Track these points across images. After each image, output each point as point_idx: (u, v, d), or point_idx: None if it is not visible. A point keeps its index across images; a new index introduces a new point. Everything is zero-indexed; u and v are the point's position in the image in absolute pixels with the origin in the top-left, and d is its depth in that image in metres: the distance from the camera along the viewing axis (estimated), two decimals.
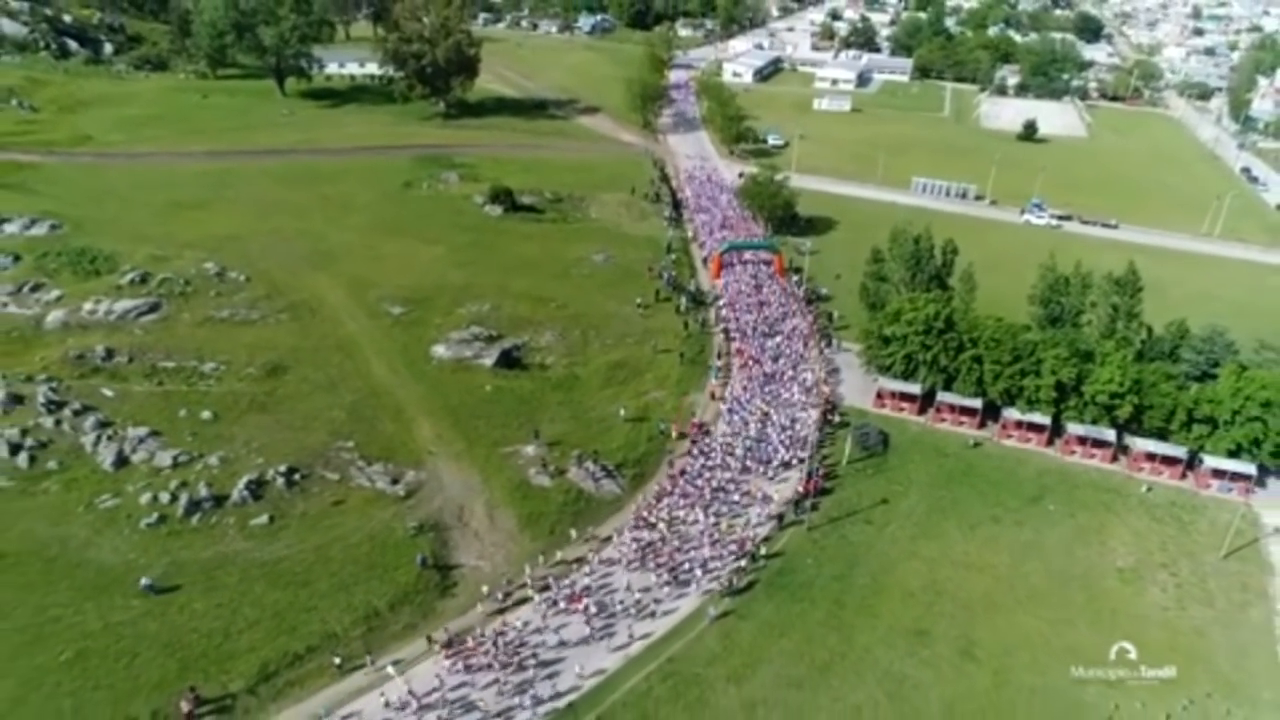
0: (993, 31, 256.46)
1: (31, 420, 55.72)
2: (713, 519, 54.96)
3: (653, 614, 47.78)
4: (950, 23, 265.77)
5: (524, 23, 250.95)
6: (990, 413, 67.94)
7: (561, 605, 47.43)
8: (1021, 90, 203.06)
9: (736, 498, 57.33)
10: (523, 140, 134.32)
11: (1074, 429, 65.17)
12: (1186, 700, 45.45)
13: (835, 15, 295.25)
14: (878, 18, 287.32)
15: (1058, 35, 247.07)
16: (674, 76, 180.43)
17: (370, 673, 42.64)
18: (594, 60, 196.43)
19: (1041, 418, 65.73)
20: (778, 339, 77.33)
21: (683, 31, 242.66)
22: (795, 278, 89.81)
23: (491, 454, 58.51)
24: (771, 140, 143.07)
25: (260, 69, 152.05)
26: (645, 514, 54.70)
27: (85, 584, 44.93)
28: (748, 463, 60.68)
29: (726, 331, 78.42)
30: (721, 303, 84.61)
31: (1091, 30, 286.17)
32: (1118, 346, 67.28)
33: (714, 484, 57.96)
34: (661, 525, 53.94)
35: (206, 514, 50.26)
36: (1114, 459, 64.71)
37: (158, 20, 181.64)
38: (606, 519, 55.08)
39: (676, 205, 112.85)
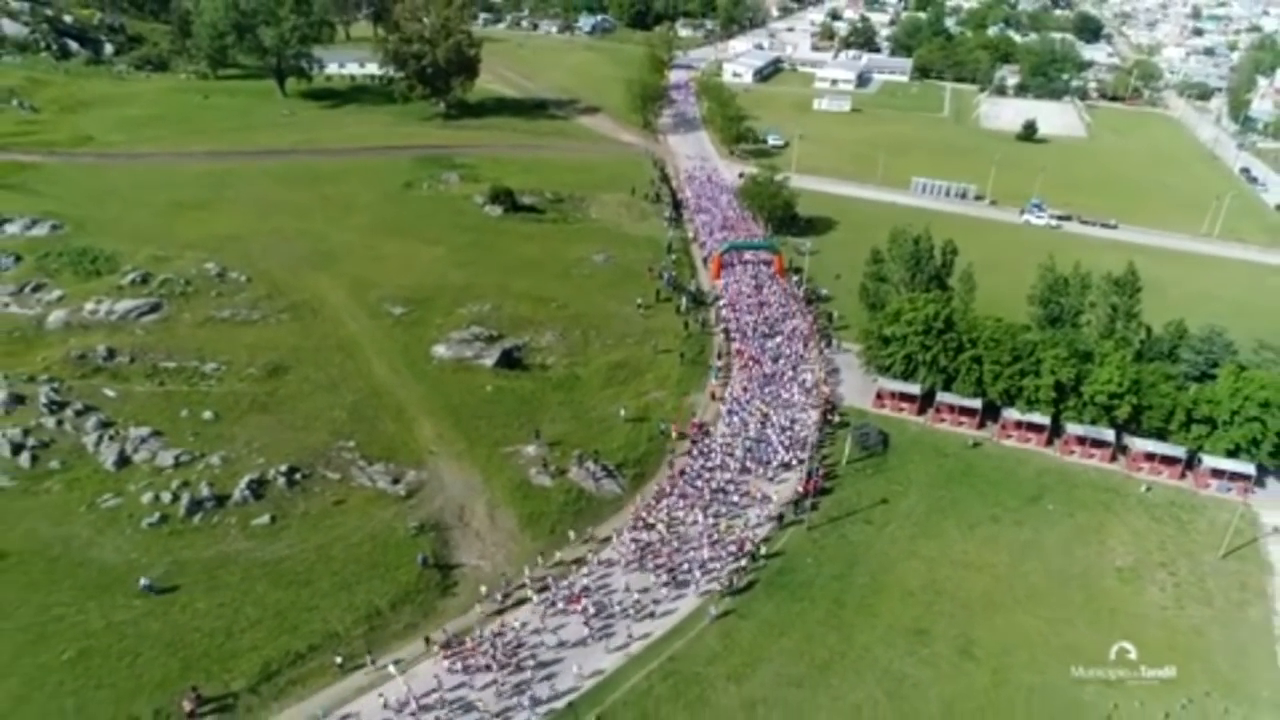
0: (992, 31, 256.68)
1: (33, 420, 55.88)
2: (711, 520, 55.07)
3: (651, 615, 47.90)
4: (950, 23, 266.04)
5: (524, 23, 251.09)
6: (990, 413, 68.09)
7: (560, 606, 47.55)
8: (1021, 90, 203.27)
9: (736, 498, 57.44)
10: (523, 140, 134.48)
11: (1073, 429, 65.32)
12: (1185, 699, 45.60)
13: (835, 15, 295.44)
14: (877, 18, 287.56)
15: (1057, 35, 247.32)
16: (674, 77, 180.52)
17: (371, 672, 42.80)
18: (594, 60, 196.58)
19: (1041, 418, 65.88)
20: (778, 339, 77.44)
21: (683, 32, 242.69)
22: (795, 278, 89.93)
23: (492, 454, 58.67)
24: (771, 140, 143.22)
25: (261, 69, 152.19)
26: (644, 515, 54.81)
27: (88, 583, 45.10)
28: (747, 463, 60.80)
29: (727, 332, 78.56)
30: (722, 303, 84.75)
31: (1091, 30, 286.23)
32: (1117, 347, 67.42)
33: (713, 485, 58.08)
34: (660, 526, 54.03)
35: (208, 514, 50.44)
36: (1113, 459, 64.87)
37: (158, 21, 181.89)
38: (607, 519, 55.23)
39: (677, 205, 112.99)
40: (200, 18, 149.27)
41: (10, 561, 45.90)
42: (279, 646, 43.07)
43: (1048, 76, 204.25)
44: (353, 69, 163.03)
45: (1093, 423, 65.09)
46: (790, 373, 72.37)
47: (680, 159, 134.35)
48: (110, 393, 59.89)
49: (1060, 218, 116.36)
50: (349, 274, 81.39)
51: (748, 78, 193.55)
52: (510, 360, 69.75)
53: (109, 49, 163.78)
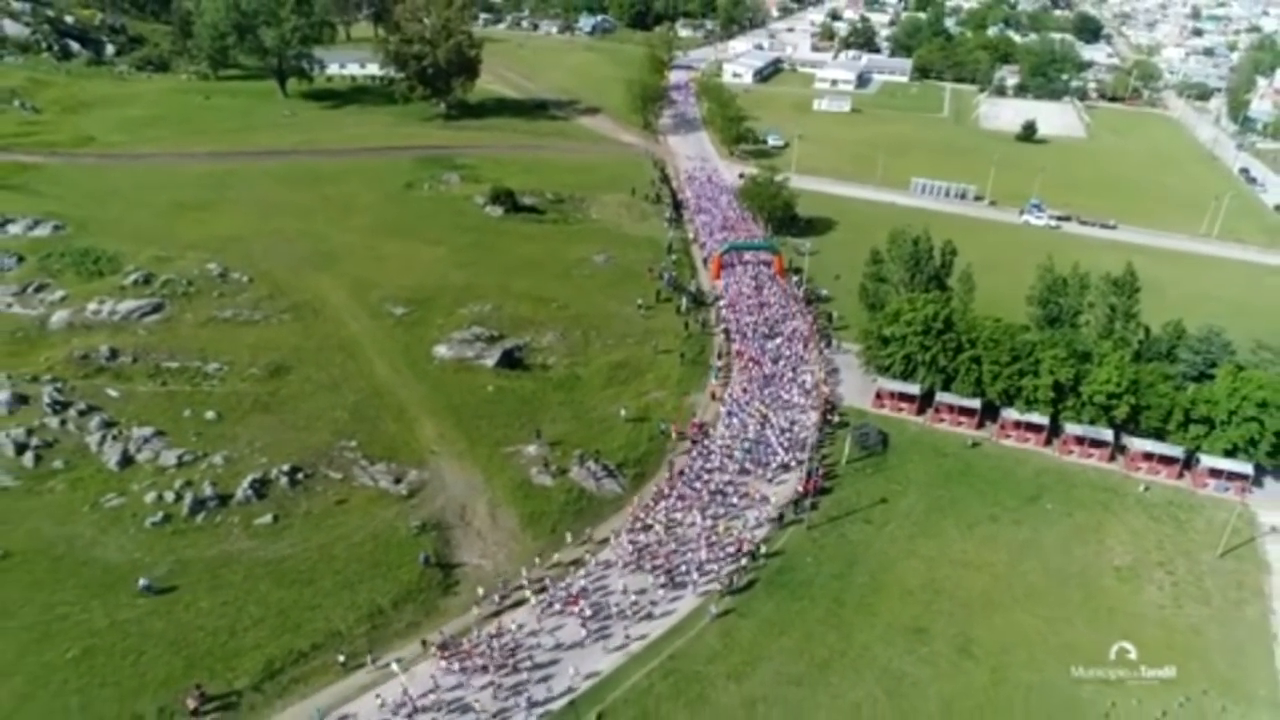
0: (992, 32, 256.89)
1: (37, 420, 56.16)
2: (710, 521, 55.23)
3: (649, 616, 48.05)
4: (950, 23, 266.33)
5: (524, 23, 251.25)
6: (989, 413, 68.34)
7: (558, 607, 47.70)
8: (1021, 91, 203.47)
9: (735, 500, 57.63)
10: (523, 141, 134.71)
11: (1072, 429, 65.56)
12: (1183, 697, 45.84)
13: (835, 16, 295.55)
14: (877, 18, 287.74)
15: (1057, 36, 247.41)
16: (674, 77, 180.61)
17: (373, 670, 43.04)
18: (594, 61, 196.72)
19: (1039, 418, 66.12)
20: (778, 340, 77.64)
21: (683, 32, 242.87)
22: (795, 278, 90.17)
23: (493, 453, 58.94)
24: (771, 141, 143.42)
25: (262, 70, 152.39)
26: (642, 516, 55.00)
27: (91, 582, 45.39)
28: (747, 464, 61.00)
29: (727, 332, 78.79)
30: (722, 303, 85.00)
31: (1091, 31, 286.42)
32: (1115, 347, 67.71)
33: (712, 486, 58.29)
34: (659, 527, 54.21)
35: (211, 513, 50.72)
36: (1111, 459, 65.12)
37: (159, 21, 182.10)
38: (608, 518, 55.48)
39: (677, 206, 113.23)
40: (201, 18, 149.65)
41: (14, 561, 46.18)
42: (282, 645, 43.34)
43: (1047, 77, 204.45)
44: (353, 70, 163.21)
45: (1091, 422, 65.33)
46: (790, 374, 72.55)
47: (680, 159, 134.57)
48: (113, 393, 60.17)
49: (1059, 218, 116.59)
50: (350, 274, 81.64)
51: (748, 78, 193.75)
52: (511, 360, 70.02)
53: (110, 50, 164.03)
